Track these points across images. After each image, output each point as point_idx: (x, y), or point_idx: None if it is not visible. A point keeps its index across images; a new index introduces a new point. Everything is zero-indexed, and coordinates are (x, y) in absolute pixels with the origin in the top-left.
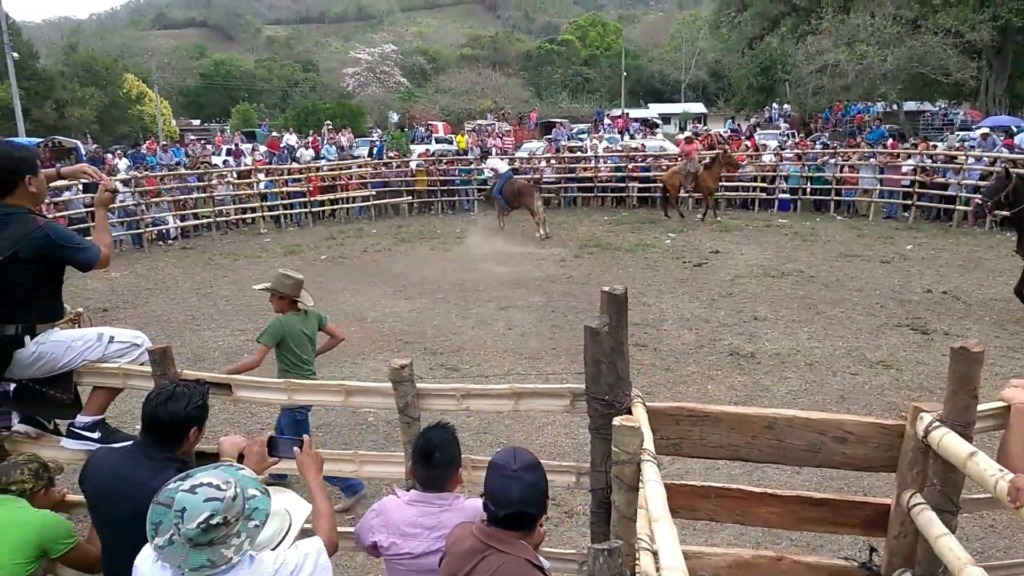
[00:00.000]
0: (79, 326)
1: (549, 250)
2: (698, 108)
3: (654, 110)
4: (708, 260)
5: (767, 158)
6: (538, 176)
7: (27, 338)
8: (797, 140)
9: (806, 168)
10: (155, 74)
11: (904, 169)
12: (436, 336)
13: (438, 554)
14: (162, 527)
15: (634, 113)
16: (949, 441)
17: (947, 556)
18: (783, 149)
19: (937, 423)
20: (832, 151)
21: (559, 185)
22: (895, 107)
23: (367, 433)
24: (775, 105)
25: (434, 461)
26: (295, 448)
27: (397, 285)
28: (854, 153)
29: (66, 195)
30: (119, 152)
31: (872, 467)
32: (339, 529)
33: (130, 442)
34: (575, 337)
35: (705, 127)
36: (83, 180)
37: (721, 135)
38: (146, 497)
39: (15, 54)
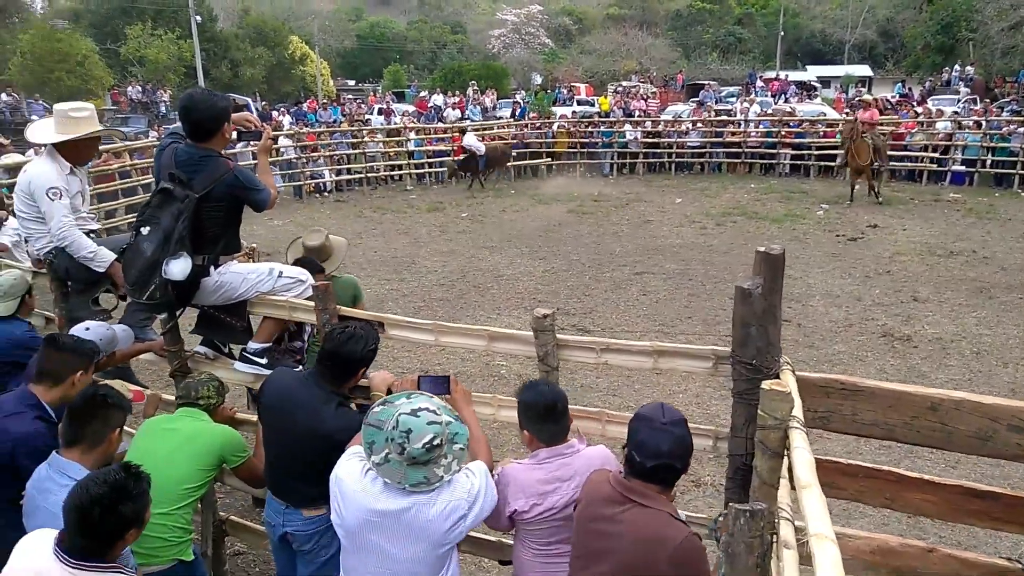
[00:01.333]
0: (253, 261)
1: (688, 217)
2: (863, 71)
3: (812, 73)
4: (865, 235)
5: (941, 126)
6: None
7: (212, 268)
8: (980, 107)
9: (988, 138)
10: (316, 36)
11: None
12: (569, 297)
13: (574, 506)
14: (376, 446)
15: (791, 76)
16: None
17: None
18: (962, 116)
19: None
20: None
21: (704, 150)
22: None
23: (499, 384)
24: (956, 67)
25: (558, 413)
26: (444, 386)
27: (533, 245)
28: None
29: (239, 147)
30: (283, 109)
31: None
32: None
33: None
34: (712, 307)
35: (869, 92)
36: (245, 127)
37: (888, 100)
38: (308, 418)
39: (198, 17)
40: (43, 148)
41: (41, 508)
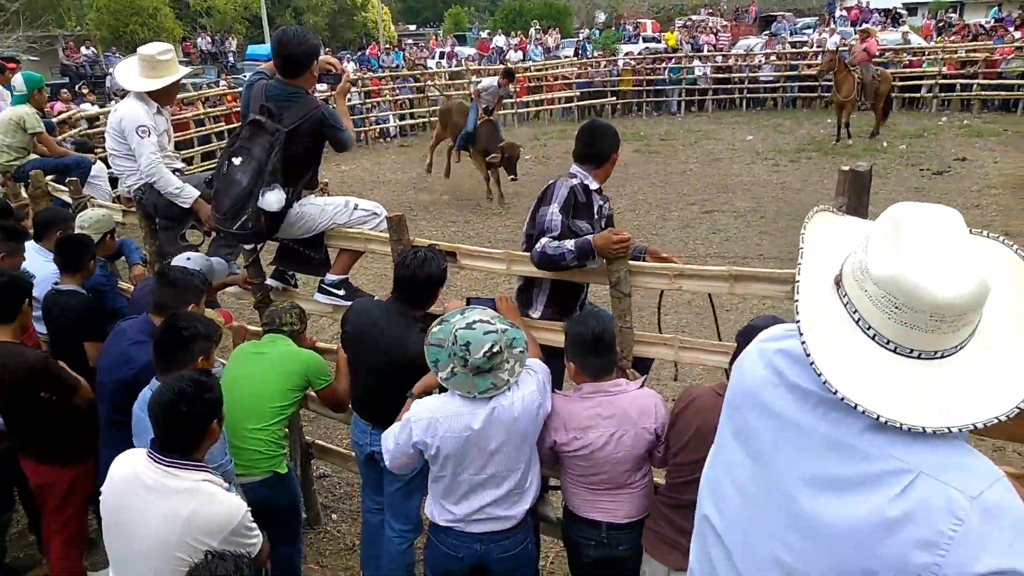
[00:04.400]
0: (327, 195)
1: (760, 155)
2: None
3: None
4: (951, 168)
5: None
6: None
7: (295, 201)
8: None
9: None
10: None
11: None
12: (636, 236)
13: (613, 445)
14: (440, 363)
15: (874, 3)
16: None
17: None
18: None
19: None
20: None
21: (778, 85)
22: None
23: None
24: None
25: (606, 346)
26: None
27: None
28: None
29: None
30: (347, 56)
31: None
32: None
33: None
34: (786, 243)
35: (961, 17)
36: (327, 69)
37: (982, 26)
38: (391, 345)
39: None
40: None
41: (147, 428)
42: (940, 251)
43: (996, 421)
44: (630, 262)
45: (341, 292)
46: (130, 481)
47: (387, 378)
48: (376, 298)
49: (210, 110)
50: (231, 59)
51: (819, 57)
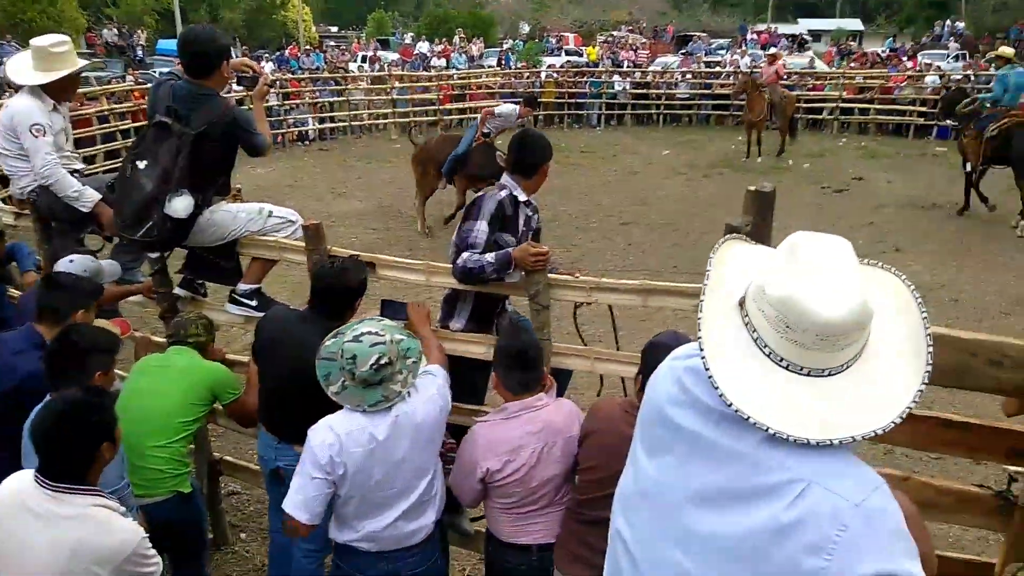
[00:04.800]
0: (240, 202)
1: (675, 169)
2: (854, 24)
3: (803, 26)
4: (849, 187)
5: (929, 80)
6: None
7: (204, 208)
8: (968, 62)
9: (975, 92)
10: None
11: None
12: (555, 248)
13: (545, 460)
14: (331, 377)
15: (781, 29)
16: None
17: None
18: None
19: None
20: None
21: (693, 102)
22: None
23: None
24: (948, 23)
25: (532, 362)
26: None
27: None
28: None
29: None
30: (265, 55)
31: None
32: None
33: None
34: (698, 256)
35: (859, 46)
36: (244, 72)
37: (879, 55)
38: (305, 356)
39: None
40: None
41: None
42: (827, 276)
43: (873, 435)
44: (549, 275)
45: (254, 303)
46: (16, 506)
47: (298, 390)
48: (291, 307)
49: (115, 106)
50: (140, 53)
51: (732, 77)
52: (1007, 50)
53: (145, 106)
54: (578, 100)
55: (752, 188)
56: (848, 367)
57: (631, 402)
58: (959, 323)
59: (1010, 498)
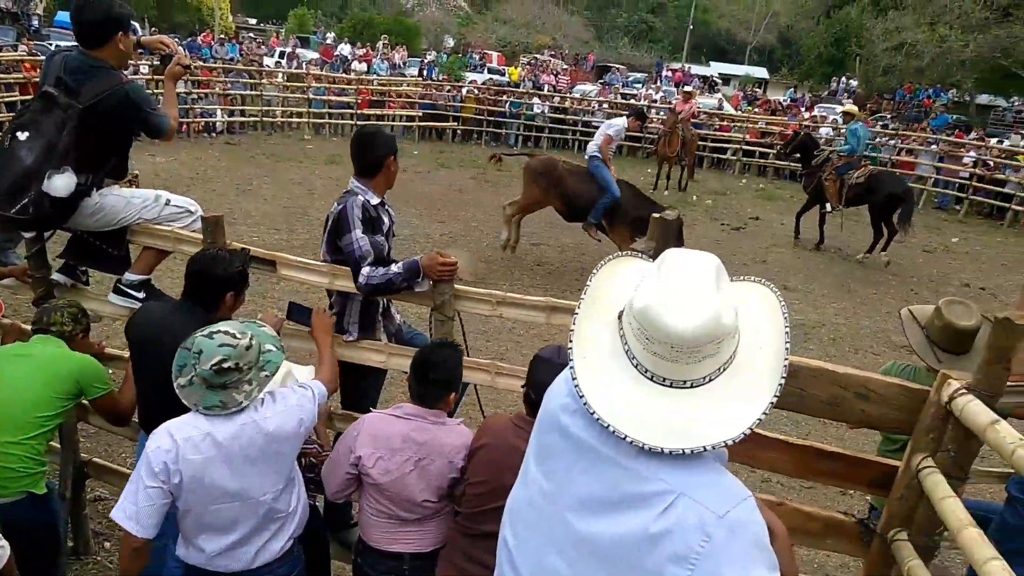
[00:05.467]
0: (135, 188)
1: None
2: (760, 72)
3: (715, 69)
4: (747, 225)
5: (824, 131)
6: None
7: (93, 189)
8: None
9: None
10: None
11: (964, 161)
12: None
13: (418, 472)
14: (184, 369)
15: (695, 69)
16: (973, 408)
17: (949, 517)
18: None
19: (964, 391)
20: (892, 132)
21: None
22: (967, 97)
23: None
24: (844, 79)
25: (430, 377)
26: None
27: (432, 208)
28: (916, 138)
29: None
30: (176, 40)
31: (887, 427)
32: None
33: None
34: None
35: (764, 93)
36: (160, 51)
37: (780, 103)
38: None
39: None
40: None
41: None
42: (684, 290)
43: (724, 445)
44: (456, 286)
45: (141, 294)
46: None
47: (170, 382)
48: (165, 298)
49: (3, 76)
50: (35, 23)
51: (649, 111)
52: (853, 107)
53: (37, 80)
54: (498, 119)
55: (657, 216)
56: (711, 379)
57: (521, 416)
58: (836, 359)
59: (870, 526)
